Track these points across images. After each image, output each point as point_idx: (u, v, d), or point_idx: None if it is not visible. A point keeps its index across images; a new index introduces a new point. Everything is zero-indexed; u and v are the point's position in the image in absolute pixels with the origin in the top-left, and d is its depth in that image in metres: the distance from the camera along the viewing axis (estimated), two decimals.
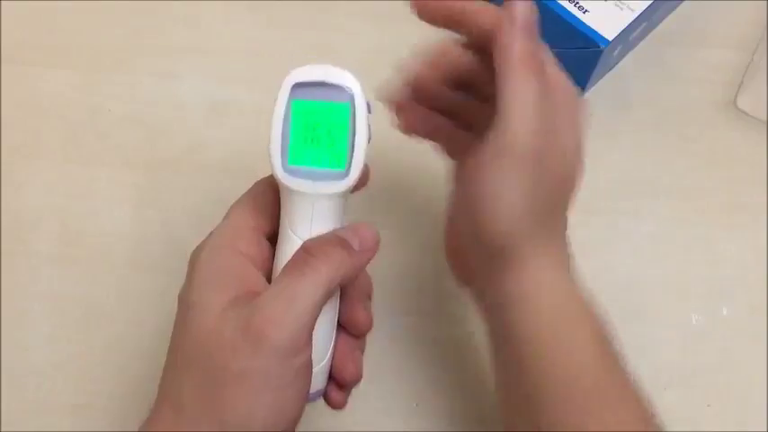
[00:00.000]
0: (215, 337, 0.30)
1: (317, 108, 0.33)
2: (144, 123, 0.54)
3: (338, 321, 0.36)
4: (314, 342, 0.32)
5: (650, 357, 0.47)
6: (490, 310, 0.37)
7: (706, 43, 0.56)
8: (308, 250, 0.32)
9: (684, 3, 0.57)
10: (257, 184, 0.36)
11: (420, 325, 0.48)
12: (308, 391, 0.33)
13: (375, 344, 0.47)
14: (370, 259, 0.34)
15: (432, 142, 0.41)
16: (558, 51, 0.51)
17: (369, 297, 0.37)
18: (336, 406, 0.37)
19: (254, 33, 0.57)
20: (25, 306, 0.49)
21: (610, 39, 0.48)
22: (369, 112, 0.34)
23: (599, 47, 0.48)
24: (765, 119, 0.53)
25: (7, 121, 0.54)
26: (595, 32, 0.48)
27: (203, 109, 0.54)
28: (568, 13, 0.49)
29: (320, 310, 0.31)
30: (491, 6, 0.34)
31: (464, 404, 0.45)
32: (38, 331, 0.48)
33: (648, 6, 0.49)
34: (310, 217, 0.34)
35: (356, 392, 0.46)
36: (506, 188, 0.33)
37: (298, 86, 0.33)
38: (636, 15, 0.49)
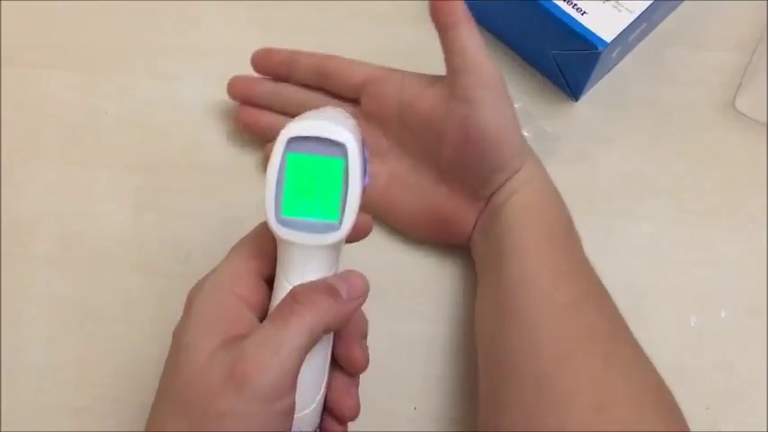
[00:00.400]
0: (202, 379, 0.31)
1: (311, 162, 0.34)
2: (143, 125, 0.54)
3: (334, 359, 0.37)
4: (304, 386, 0.33)
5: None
6: (486, 226, 0.45)
7: (705, 44, 0.56)
8: (295, 297, 0.33)
9: (683, 4, 0.57)
10: (259, 225, 0.37)
11: (419, 328, 0.48)
12: None
13: (373, 346, 0.47)
14: (358, 307, 0.35)
15: None
16: (557, 53, 0.52)
17: (364, 336, 0.38)
18: None
19: (253, 34, 0.57)
20: (24, 308, 0.49)
21: (608, 40, 0.48)
22: (365, 164, 0.35)
23: (597, 49, 0.48)
24: (764, 120, 0.53)
25: (6, 122, 0.54)
26: (594, 34, 0.48)
27: (203, 110, 0.54)
28: (566, 14, 0.48)
29: (304, 356, 0.32)
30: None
31: (463, 408, 0.45)
32: (37, 333, 0.48)
33: (647, 8, 0.49)
34: (303, 266, 0.34)
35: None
36: (500, 111, 0.42)
37: (294, 140, 0.34)
38: (634, 17, 0.49)
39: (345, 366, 0.37)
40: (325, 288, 0.33)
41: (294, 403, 0.32)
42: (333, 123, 0.34)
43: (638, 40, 0.55)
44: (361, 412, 0.45)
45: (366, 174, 0.35)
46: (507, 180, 0.44)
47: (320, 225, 0.34)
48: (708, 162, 0.52)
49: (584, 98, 0.54)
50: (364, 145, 0.36)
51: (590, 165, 0.53)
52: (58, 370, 0.47)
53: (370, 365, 0.47)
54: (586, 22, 0.48)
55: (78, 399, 0.46)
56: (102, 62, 0.56)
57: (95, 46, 0.57)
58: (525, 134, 0.53)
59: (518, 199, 0.43)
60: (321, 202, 0.34)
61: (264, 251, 0.35)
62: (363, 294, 0.35)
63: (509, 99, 0.43)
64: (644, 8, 0.49)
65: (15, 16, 0.58)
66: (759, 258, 0.49)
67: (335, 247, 0.35)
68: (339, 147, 0.34)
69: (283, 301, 0.33)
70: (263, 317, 0.34)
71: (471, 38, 0.42)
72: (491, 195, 0.44)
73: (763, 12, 0.56)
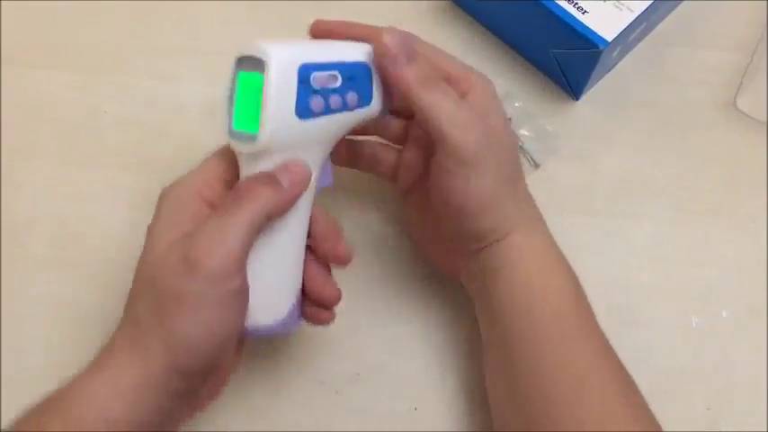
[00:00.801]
0: (161, 263, 0.36)
1: (247, 78, 0.37)
2: (142, 125, 0.54)
3: (311, 256, 0.41)
4: (279, 293, 0.39)
5: (650, 360, 0.47)
6: (479, 285, 0.42)
7: (705, 44, 0.56)
8: (237, 189, 0.36)
9: (683, 3, 0.57)
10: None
11: (420, 328, 0.47)
12: (244, 312, 0.37)
13: (375, 347, 0.47)
14: (299, 194, 0.37)
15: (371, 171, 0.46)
16: (558, 52, 0.51)
17: (341, 233, 0.41)
18: (325, 321, 0.41)
19: (252, 34, 0.57)
20: (22, 309, 0.48)
21: (609, 40, 0.48)
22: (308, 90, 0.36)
23: (598, 48, 0.48)
24: (764, 120, 0.53)
25: (5, 122, 0.54)
26: (594, 33, 0.48)
27: (201, 111, 0.54)
28: (567, 13, 0.48)
29: (249, 240, 0.36)
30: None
31: (463, 409, 0.45)
32: (35, 334, 0.48)
33: (648, 7, 0.49)
34: (246, 173, 0.37)
35: (355, 395, 0.46)
36: (477, 187, 0.39)
37: (241, 59, 0.37)
38: (635, 16, 0.49)
39: (332, 262, 0.41)
40: (264, 179, 0.36)
41: (245, 286, 0.36)
42: (270, 43, 0.36)
43: (639, 39, 0.55)
44: (363, 412, 0.45)
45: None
46: (496, 242, 0.41)
47: (247, 136, 0.36)
48: (708, 161, 0.52)
49: (584, 97, 0.54)
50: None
51: (590, 164, 0.52)
52: (56, 370, 0.47)
53: (371, 365, 0.47)
54: (587, 21, 0.48)
55: None
56: (102, 62, 0.56)
57: (95, 46, 0.56)
58: (525, 133, 0.53)
59: (518, 274, 0.40)
60: (250, 115, 0.36)
61: (233, 162, 0.39)
62: (304, 181, 0.37)
63: (497, 164, 0.39)
64: (645, 7, 0.49)
65: (15, 16, 0.57)
66: (760, 258, 0.49)
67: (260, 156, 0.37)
68: (261, 63, 0.35)
69: (228, 193, 0.36)
70: None
71: (429, 102, 0.38)
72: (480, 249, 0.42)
73: (763, 11, 0.56)
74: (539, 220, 0.43)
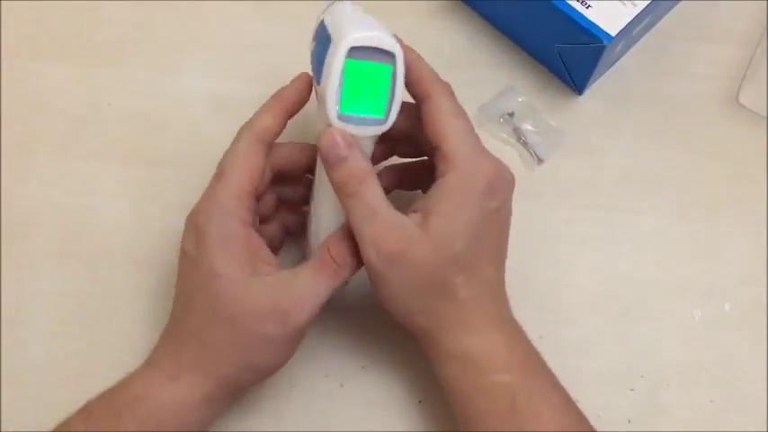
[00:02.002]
0: (244, 306, 0.38)
1: (366, 67, 0.39)
2: (144, 118, 0.54)
3: None
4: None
5: (652, 354, 0.47)
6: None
7: (708, 38, 0.56)
8: (335, 259, 0.40)
9: None
10: (248, 142, 0.41)
11: None
12: (298, 345, 0.42)
13: (379, 340, 0.47)
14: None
15: None
16: (561, 47, 0.51)
17: None
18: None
19: (255, 27, 0.57)
20: (25, 302, 0.48)
21: (613, 34, 0.48)
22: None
23: (602, 42, 0.48)
24: (767, 114, 0.53)
25: (6, 115, 0.53)
26: (598, 28, 0.48)
27: (204, 104, 0.54)
28: (571, 8, 0.48)
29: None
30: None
31: None
32: (37, 328, 0.48)
33: (651, 2, 0.49)
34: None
35: (360, 388, 0.46)
36: (387, 297, 0.40)
37: (353, 49, 0.38)
38: (639, 11, 0.49)
39: None
40: (354, 250, 0.40)
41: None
42: (386, 35, 0.39)
43: (642, 34, 0.55)
44: (368, 405, 0.45)
45: None
46: (421, 338, 0.41)
47: (371, 119, 0.39)
48: (711, 156, 0.52)
49: (587, 92, 0.54)
50: None
51: (594, 158, 0.53)
52: (59, 364, 0.47)
53: (376, 358, 0.47)
54: (591, 15, 0.48)
55: (80, 393, 0.46)
56: (103, 55, 0.56)
57: (98, 38, 0.56)
58: (528, 128, 0.53)
59: (448, 378, 0.41)
60: (361, 100, 0.39)
61: (258, 168, 0.41)
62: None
63: (403, 281, 0.39)
64: (648, 2, 0.49)
65: (16, 9, 0.57)
66: (762, 252, 0.50)
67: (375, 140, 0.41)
68: (390, 55, 0.39)
69: (324, 257, 0.40)
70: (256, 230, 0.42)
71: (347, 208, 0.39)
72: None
73: (765, 6, 0.56)
74: (475, 318, 0.40)
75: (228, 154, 0.41)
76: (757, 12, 0.56)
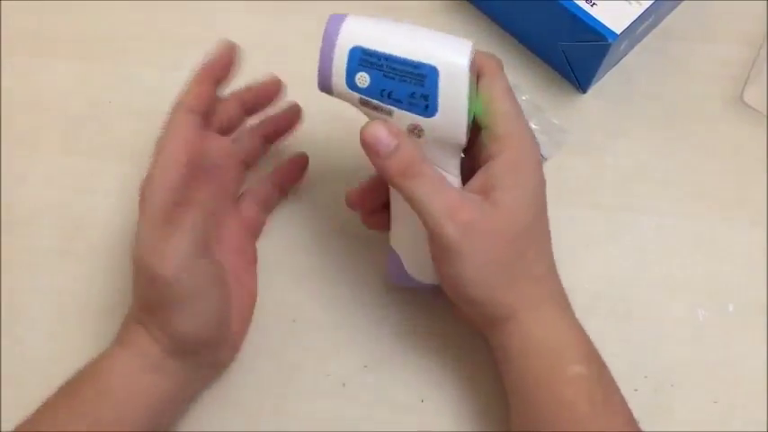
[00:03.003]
0: (146, 259, 0.40)
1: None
2: (145, 116, 0.53)
3: None
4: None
5: (656, 353, 0.47)
6: (495, 352, 0.42)
7: (712, 38, 0.56)
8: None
9: None
10: (180, 116, 0.42)
11: (426, 321, 0.47)
12: (222, 296, 0.42)
13: (382, 339, 0.47)
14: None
15: None
16: (566, 45, 0.51)
17: None
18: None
19: (255, 24, 0.57)
20: (25, 300, 0.48)
21: (618, 32, 0.48)
22: None
23: (607, 40, 0.48)
24: None
25: (7, 113, 0.53)
26: (603, 26, 0.48)
27: None
28: (576, 6, 0.48)
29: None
30: None
31: (470, 401, 0.45)
32: (37, 326, 0.48)
33: (656, 0, 0.49)
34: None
35: (362, 387, 0.46)
36: (461, 276, 0.38)
37: None
38: (644, 9, 0.49)
39: None
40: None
41: (218, 271, 0.42)
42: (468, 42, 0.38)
43: (646, 33, 0.55)
44: (370, 404, 0.45)
45: None
46: (501, 322, 0.40)
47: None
48: (715, 155, 0.52)
49: (591, 91, 0.54)
50: None
51: (598, 157, 0.52)
52: (58, 363, 0.46)
53: (377, 359, 0.47)
54: (596, 13, 0.48)
55: None
56: (104, 53, 0.56)
57: (97, 36, 0.56)
58: (533, 126, 0.53)
59: (524, 366, 0.40)
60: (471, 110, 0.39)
61: (191, 139, 0.41)
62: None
63: (484, 252, 0.38)
64: (653, 0, 0.49)
65: (18, 6, 0.57)
66: (767, 252, 0.49)
67: None
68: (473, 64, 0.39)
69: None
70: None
71: (410, 192, 0.38)
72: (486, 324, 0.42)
73: None
74: (554, 300, 0.41)
75: (163, 132, 0.42)
76: (762, 11, 0.56)
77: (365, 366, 0.46)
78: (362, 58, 0.38)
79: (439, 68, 0.37)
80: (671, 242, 0.50)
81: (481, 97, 0.39)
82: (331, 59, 0.38)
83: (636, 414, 0.45)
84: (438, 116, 0.37)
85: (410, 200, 0.38)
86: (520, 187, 0.39)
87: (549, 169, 0.51)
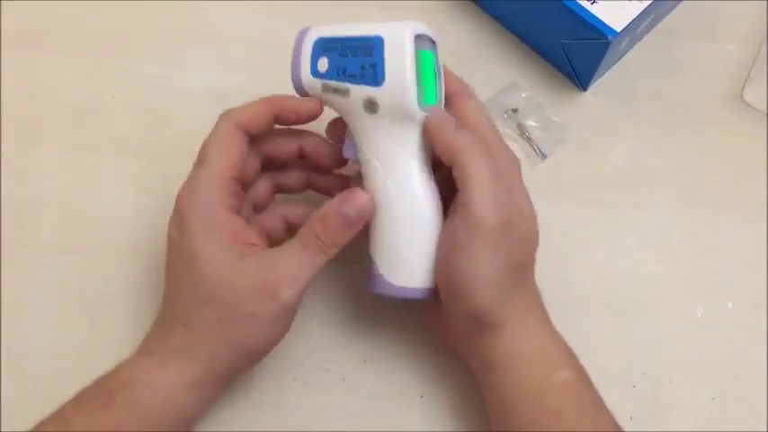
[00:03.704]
0: (231, 286, 0.38)
1: (423, 56, 0.40)
2: (147, 111, 0.53)
3: None
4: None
5: (655, 350, 0.47)
6: (477, 370, 0.42)
7: (712, 36, 0.56)
8: (321, 237, 0.39)
9: None
10: (227, 127, 0.41)
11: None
12: (290, 323, 0.41)
13: (381, 334, 0.47)
14: (364, 223, 0.40)
15: None
16: (566, 42, 0.51)
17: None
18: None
19: (257, 20, 0.57)
20: (26, 294, 0.48)
21: (618, 30, 0.48)
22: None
23: (607, 38, 0.48)
24: None
25: (9, 107, 0.53)
26: (603, 24, 0.48)
27: (206, 97, 0.54)
28: (576, 4, 0.48)
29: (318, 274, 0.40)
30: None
31: (469, 397, 0.45)
32: (38, 320, 0.48)
33: None
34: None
35: (362, 383, 0.46)
36: (479, 267, 0.38)
37: (416, 37, 0.39)
38: (644, 7, 0.49)
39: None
40: (342, 222, 0.39)
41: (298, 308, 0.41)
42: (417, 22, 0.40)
43: (646, 31, 0.55)
44: (370, 399, 0.45)
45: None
46: (488, 328, 0.40)
47: (428, 108, 0.40)
48: (715, 153, 0.52)
49: (592, 88, 0.54)
50: None
51: (598, 155, 0.52)
52: (60, 356, 0.47)
53: (377, 354, 0.47)
54: (597, 11, 0.48)
55: (81, 385, 0.46)
56: (106, 48, 0.56)
57: (99, 31, 0.56)
58: (532, 124, 0.53)
59: (511, 379, 0.40)
60: (427, 89, 0.40)
61: (240, 154, 0.41)
62: (370, 211, 0.40)
63: (507, 251, 0.39)
64: None
65: (22, 3, 0.57)
66: (766, 250, 0.49)
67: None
68: (432, 42, 0.41)
69: (308, 233, 0.39)
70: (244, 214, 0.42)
71: (471, 169, 0.39)
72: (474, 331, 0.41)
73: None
74: (539, 311, 0.42)
75: (209, 140, 0.41)
76: (762, 10, 0.56)
77: (365, 361, 0.46)
78: (322, 46, 0.41)
79: (384, 37, 0.39)
80: (670, 240, 0.50)
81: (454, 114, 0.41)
82: (300, 56, 0.42)
83: (633, 410, 0.46)
84: (386, 84, 0.39)
85: (467, 178, 0.39)
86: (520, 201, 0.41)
87: (548, 166, 0.52)
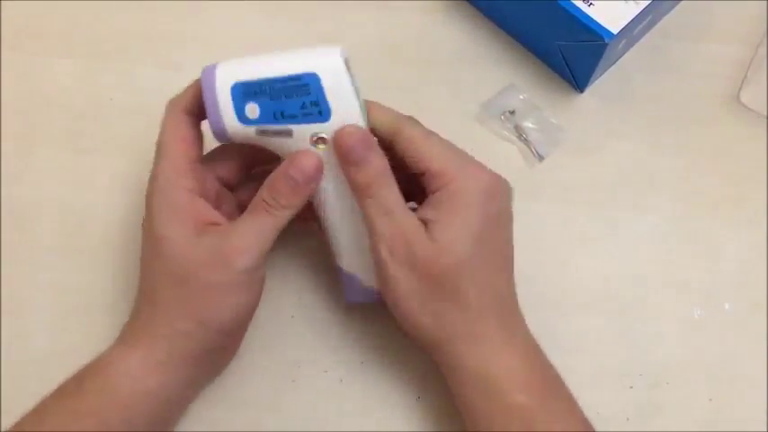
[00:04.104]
0: (188, 259, 0.39)
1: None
2: (146, 113, 0.53)
3: None
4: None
5: (652, 352, 0.47)
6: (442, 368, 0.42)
7: (709, 38, 0.56)
8: (267, 199, 0.40)
9: None
10: (173, 115, 0.42)
11: None
12: (259, 295, 0.42)
13: (379, 337, 0.47)
14: (314, 187, 0.41)
15: None
16: (563, 44, 0.51)
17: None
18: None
19: (257, 23, 0.57)
20: (26, 296, 0.48)
21: (615, 32, 0.48)
22: None
23: (604, 40, 0.48)
24: None
25: (8, 109, 0.54)
26: (600, 26, 0.48)
27: None
28: (573, 6, 0.48)
29: (275, 238, 0.40)
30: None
31: None
32: (38, 321, 0.48)
33: (653, 0, 0.49)
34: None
35: (359, 384, 0.46)
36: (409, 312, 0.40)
37: None
38: (641, 9, 0.49)
39: None
40: (290, 184, 0.40)
41: (264, 274, 0.41)
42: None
43: (644, 32, 0.55)
44: (365, 401, 0.45)
45: None
46: (432, 350, 0.41)
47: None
48: (712, 155, 0.52)
49: (589, 90, 0.54)
50: None
51: (594, 156, 0.53)
52: (60, 357, 0.47)
53: (374, 356, 0.47)
54: (593, 13, 0.48)
55: None
56: (105, 50, 0.56)
57: (98, 34, 0.56)
58: (530, 125, 0.53)
59: (460, 393, 0.40)
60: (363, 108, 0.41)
61: (189, 138, 0.41)
62: (318, 174, 0.40)
63: (421, 291, 0.39)
64: (650, 0, 0.49)
65: (21, 4, 0.57)
66: (763, 252, 0.50)
67: None
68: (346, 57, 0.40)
69: (257, 196, 0.40)
70: (211, 197, 0.42)
71: (365, 211, 0.40)
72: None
73: (767, 5, 0.56)
74: (490, 329, 0.40)
75: (161, 132, 0.42)
76: (759, 11, 0.56)
77: (362, 363, 0.46)
78: (245, 91, 0.39)
79: (318, 72, 0.38)
80: (667, 241, 0.50)
81: (404, 148, 0.40)
82: (217, 104, 0.39)
83: (630, 411, 0.46)
84: (333, 117, 0.39)
85: (364, 211, 0.40)
86: (452, 221, 0.39)
87: (546, 168, 0.52)
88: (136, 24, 0.57)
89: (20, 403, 0.45)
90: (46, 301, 0.48)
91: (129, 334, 0.41)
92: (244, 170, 0.45)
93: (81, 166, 0.52)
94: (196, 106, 0.42)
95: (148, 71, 0.55)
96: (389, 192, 0.40)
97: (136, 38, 0.56)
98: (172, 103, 0.42)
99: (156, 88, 0.54)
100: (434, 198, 0.40)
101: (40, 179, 0.52)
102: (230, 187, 0.45)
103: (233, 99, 0.39)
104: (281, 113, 0.39)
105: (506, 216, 0.42)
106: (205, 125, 0.41)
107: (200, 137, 0.42)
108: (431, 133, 0.41)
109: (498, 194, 0.41)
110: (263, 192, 0.40)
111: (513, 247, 0.42)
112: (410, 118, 0.42)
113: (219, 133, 0.40)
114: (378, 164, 0.39)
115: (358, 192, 0.40)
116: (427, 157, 0.40)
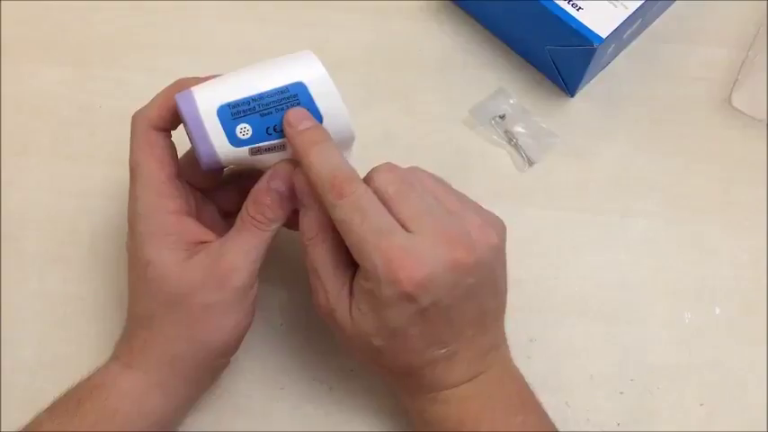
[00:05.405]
0: (182, 282, 0.39)
1: None
2: None
3: None
4: None
5: (643, 356, 0.47)
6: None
7: (700, 41, 0.56)
8: (254, 216, 0.39)
9: (678, 1, 0.57)
10: (143, 132, 0.41)
11: None
12: (254, 311, 0.41)
13: None
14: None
15: None
16: (552, 49, 0.51)
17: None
18: None
19: (249, 30, 0.57)
20: (17, 304, 0.48)
21: (604, 36, 0.48)
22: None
23: (593, 44, 0.48)
24: (760, 117, 0.53)
25: None
26: (589, 30, 0.48)
27: None
28: (562, 10, 0.48)
29: (265, 254, 0.40)
30: None
31: None
32: (29, 330, 0.48)
33: (643, 4, 0.49)
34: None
35: (348, 392, 0.46)
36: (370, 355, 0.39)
37: None
38: (630, 13, 0.49)
39: None
40: (274, 197, 0.39)
41: (257, 292, 0.41)
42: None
43: (634, 36, 0.55)
44: (355, 409, 0.45)
45: None
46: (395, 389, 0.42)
47: None
48: (703, 158, 0.52)
49: (579, 94, 0.54)
50: None
51: (585, 161, 0.52)
52: (51, 366, 0.47)
53: (363, 364, 0.46)
54: (582, 17, 0.48)
55: None
56: (94, 57, 0.56)
57: (87, 41, 0.56)
58: (520, 130, 0.53)
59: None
60: None
61: (160, 154, 0.40)
62: (300, 185, 0.39)
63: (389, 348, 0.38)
64: (639, 4, 0.49)
65: (9, 11, 0.57)
66: (754, 256, 0.49)
67: None
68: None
69: (243, 212, 0.40)
70: (191, 208, 0.42)
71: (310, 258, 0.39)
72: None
73: (758, 8, 0.56)
74: (454, 377, 0.39)
75: (131, 151, 0.41)
76: (749, 14, 0.56)
77: (352, 371, 0.46)
78: (234, 112, 0.38)
79: (304, 81, 0.38)
80: (658, 245, 0.50)
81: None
82: (205, 132, 0.38)
83: (621, 416, 0.46)
84: (325, 121, 0.39)
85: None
86: (374, 318, 0.37)
87: (536, 173, 0.52)
88: (124, 31, 0.57)
89: (8, 411, 0.45)
90: (34, 309, 0.48)
91: (126, 355, 0.41)
92: (218, 174, 0.45)
93: (70, 174, 0.52)
94: (165, 119, 0.41)
95: (137, 78, 0.55)
96: (321, 250, 0.39)
97: (125, 45, 0.56)
98: (139, 120, 0.41)
99: (146, 95, 0.54)
100: (363, 280, 0.37)
101: (28, 186, 0.51)
102: (207, 192, 0.44)
103: (221, 123, 0.38)
104: (274, 128, 0.39)
105: (475, 285, 0.37)
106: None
107: (173, 152, 0.41)
108: (368, 205, 0.36)
109: (447, 282, 0.36)
110: (249, 207, 0.40)
111: (499, 294, 0.40)
112: (348, 178, 0.37)
113: (211, 164, 0.39)
114: (314, 215, 0.39)
115: (305, 238, 0.40)
116: (355, 249, 0.36)
